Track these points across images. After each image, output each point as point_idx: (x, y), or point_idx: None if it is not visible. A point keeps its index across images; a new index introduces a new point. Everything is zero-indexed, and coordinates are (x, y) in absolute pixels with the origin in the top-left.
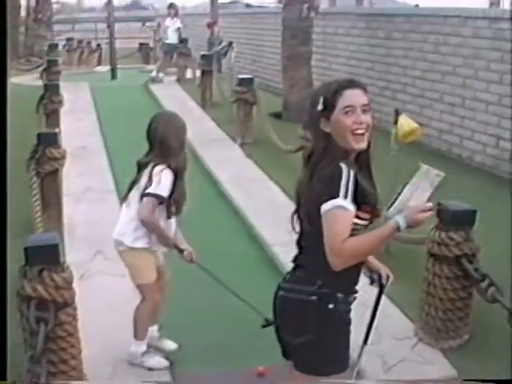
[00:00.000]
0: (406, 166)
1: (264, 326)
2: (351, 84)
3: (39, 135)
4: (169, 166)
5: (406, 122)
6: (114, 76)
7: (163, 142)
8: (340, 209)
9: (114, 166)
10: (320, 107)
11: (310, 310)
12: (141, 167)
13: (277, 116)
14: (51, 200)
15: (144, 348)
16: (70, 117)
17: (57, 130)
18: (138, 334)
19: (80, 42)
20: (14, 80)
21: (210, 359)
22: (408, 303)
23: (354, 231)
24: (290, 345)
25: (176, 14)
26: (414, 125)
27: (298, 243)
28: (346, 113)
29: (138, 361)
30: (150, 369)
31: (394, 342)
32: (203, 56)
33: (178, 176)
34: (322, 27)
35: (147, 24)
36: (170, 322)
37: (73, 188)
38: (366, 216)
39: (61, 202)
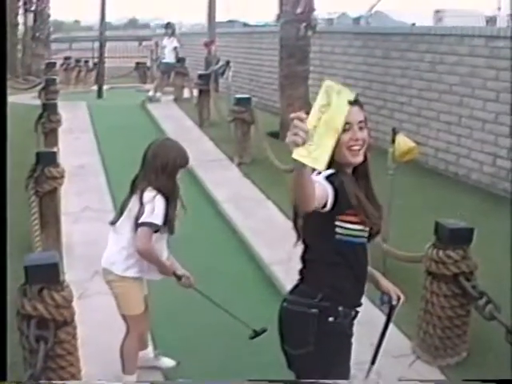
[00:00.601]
0: (402, 185)
1: (252, 338)
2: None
3: (38, 154)
4: (159, 190)
5: (403, 141)
6: (100, 95)
7: (155, 162)
8: None
9: (112, 185)
10: None
11: (311, 323)
12: (132, 189)
13: (274, 135)
14: (50, 219)
15: (134, 380)
16: (67, 136)
17: (55, 149)
18: (127, 368)
19: (78, 60)
20: (11, 99)
21: (207, 375)
22: (405, 321)
23: (351, 237)
24: (291, 356)
25: (173, 34)
26: (411, 144)
27: (302, 257)
28: (344, 130)
29: None
30: None
31: (392, 360)
32: (200, 75)
33: (169, 201)
34: (319, 46)
35: (144, 43)
36: (167, 338)
37: (71, 207)
38: (353, 219)
39: (59, 220)
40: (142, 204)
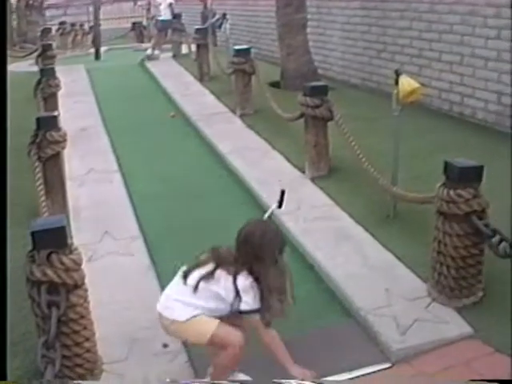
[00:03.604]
0: (408, 127)
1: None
2: None
3: (38, 119)
4: (253, 275)
5: (407, 82)
6: (97, 57)
7: (246, 246)
8: None
9: (116, 146)
10: None
11: None
12: (218, 264)
13: (275, 85)
14: (54, 184)
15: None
16: (67, 100)
17: (56, 113)
18: (216, 377)
19: (73, 25)
20: (10, 67)
21: None
22: (419, 263)
23: None
24: None
25: None
26: (415, 84)
27: None
28: None
29: None
30: (165, 345)
31: (407, 304)
32: (198, 30)
33: (263, 287)
34: None
35: (139, 3)
36: None
37: (76, 170)
38: None
39: (64, 185)
40: (237, 289)
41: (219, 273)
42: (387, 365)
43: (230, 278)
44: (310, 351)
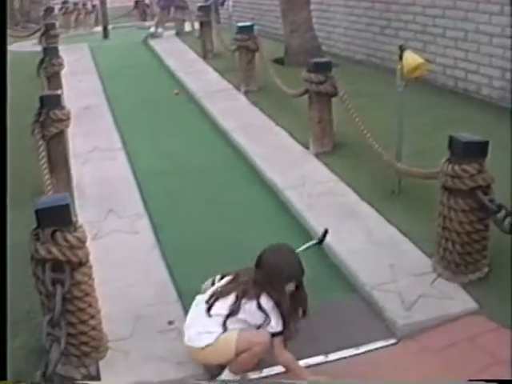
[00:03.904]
0: (412, 103)
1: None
2: None
3: (42, 98)
4: (273, 299)
5: (411, 57)
6: (105, 35)
7: (267, 270)
8: None
9: (120, 124)
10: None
11: None
12: (240, 295)
13: (279, 62)
14: (58, 162)
15: (237, 378)
16: (71, 78)
17: (59, 92)
18: (235, 370)
19: (76, 4)
20: (12, 47)
21: None
22: (424, 239)
23: None
24: None
25: None
26: (420, 60)
27: None
28: None
29: None
30: (170, 322)
31: (412, 279)
32: (200, 7)
33: (284, 310)
34: None
35: None
36: None
37: (80, 149)
38: None
39: (68, 163)
40: (263, 311)
41: (243, 302)
42: (393, 341)
43: (254, 303)
44: (314, 327)
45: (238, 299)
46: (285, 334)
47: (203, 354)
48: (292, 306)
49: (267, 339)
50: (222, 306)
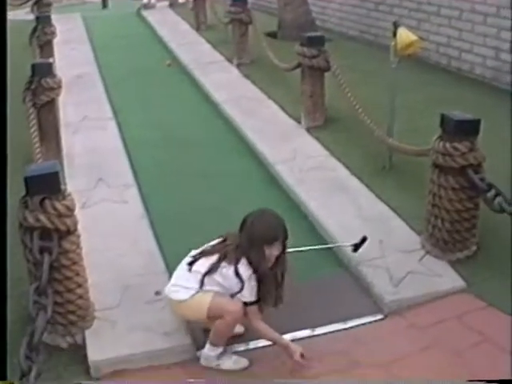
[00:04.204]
0: (405, 81)
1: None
2: None
3: (33, 66)
4: (252, 266)
5: (405, 34)
6: (105, 5)
7: (250, 235)
8: None
9: (111, 93)
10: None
11: None
12: (222, 257)
13: (272, 35)
14: (49, 130)
15: (220, 350)
16: (63, 47)
17: (51, 60)
18: (215, 341)
19: None
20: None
21: None
22: (413, 216)
23: None
24: None
25: None
26: (414, 37)
27: None
28: None
29: (213, 364)
30: (157, 293)
31: (401, 256)
32: None
33: (263, 278)
34: None
35: None
36: None
37: (70, 118)
38: None
39: (59, 132)
40: (239, 277)
41: (222, 265)
42: (380, 316)
43: (232, 268)
44: (302, 301)
45: (218, 260)
46: (262, 303)
47: (178, 307)
48: (273, 272)
49: (239, 309)
50: (203, 264)
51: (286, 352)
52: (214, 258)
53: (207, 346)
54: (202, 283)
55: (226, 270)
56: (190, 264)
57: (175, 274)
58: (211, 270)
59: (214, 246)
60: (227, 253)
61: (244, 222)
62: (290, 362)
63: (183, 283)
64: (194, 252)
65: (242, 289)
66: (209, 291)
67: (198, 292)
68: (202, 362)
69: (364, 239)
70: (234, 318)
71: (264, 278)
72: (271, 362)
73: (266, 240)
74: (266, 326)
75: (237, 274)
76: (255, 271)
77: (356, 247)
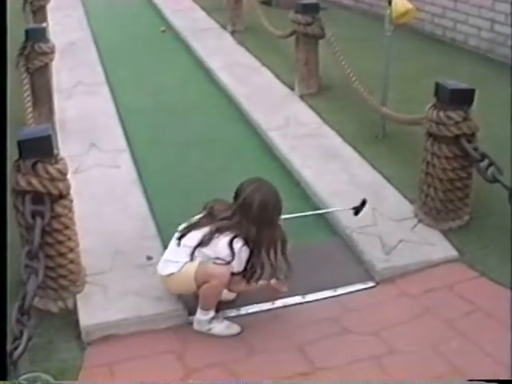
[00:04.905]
0: (399, 50)
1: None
2: None
3: (27, 31)
4: (246, 235)
5: (400, 3)
6: None
7: (249, 209)
8: None
9: (104, 59)
10: None
11: None
12: (215, 230)
13: (267, 3)
14: (42, 95)
15: (211, 315)
16: (57, 13)
17: (44, 25)
18: (204, 305)
19: None
20: None
21: None
22: (406, 185)
23: None
24: None
25: None
26: (409, 5)
27: None
28: None
29: (204, 328)
30: (149, 258)
31: (393, 224)
32: None
33: (254, 250)
34: None
35: None
36: None
37: (63, 83)
38: None
39: (51, 97)
40: (231, 249)
41: (215, 236)
42: (371, 284)
43: (226, 239)
44: (294, 267)
45: (211, 233)
46: (252, 274)
47: (168, 282)
48: (267, 246)
49: (225, 271)
50: (193, 237)
51: (272, 289)
52: (206, 229)
53: (198, 310)
54: (192, 256)
55: (218, 240)
56: (179, 239)
57: (166, 251)
58: (202, 243)
59: (201, 218)
60: (222, 226)
61: (241, 194)
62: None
63: (173, 258)
64: (181, 226)
65: (231, 261)
66: (194, 262)
67: (183, 263)
68: (195, 326)
69: (364, 202)
70: (220, 280)
71: (261, 252)
72: (262, 328)
73: (266, 221)
74: (246, 288)
75: (230, 244)
76: (250, 244)
77: (357, 210)
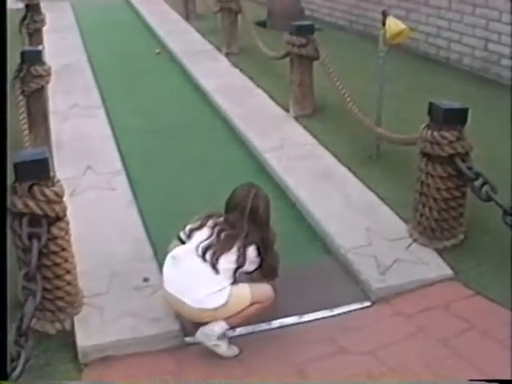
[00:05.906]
0: (394, 70)
1: None
2: None
3: (23, 53)
4: (261, 241)
5: (394, 23)
6: None
7: (255, 214)
8: None
9: (100, 82)
10: None
11: None
12: (243, 246)
13: (261, 25)
14: (38, 118)
15: (224, 329)
16: (53, 36)
17: (41, 48)
18: (235, 322)
19: None
20: None
21: None
22: (400, 204)
23: None
24: None
25: None
26: (402, 26)
27: None
28: None
29: (210, 343)
30: (146, 279)
31: (388, 243)
32: None
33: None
34: None
35: None
36: None
37: (59, 105)
38: None
39: (48, 119)
40: (244, 258)
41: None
42: (367, 304)
43: (254, 252)
44: (290, 288)
45: (241, 252)
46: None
47: (217, 314)
48: (272, 240)
49: (273, 295)
50: (228, 260)
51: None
52: (234, 249)
53: (217, 322)
54: (233, 278)
55: (249, 254)
56: (214, 266)
57: (196, 283)
58: (241, 264)
59: (218, 239)
60: (247, 241)
61: (244, 205)
62: None
63: (216, 287)
64: (188, 251)
65: (243, 264)
66: (240, 285)
67: (228, 288)
68: (199, 337)
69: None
70: (272, 302)
71: (269, 252)
72: (259, 348)
73: (268, 221)
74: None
75: (258, 254)
76: (261, 249)
77: None
